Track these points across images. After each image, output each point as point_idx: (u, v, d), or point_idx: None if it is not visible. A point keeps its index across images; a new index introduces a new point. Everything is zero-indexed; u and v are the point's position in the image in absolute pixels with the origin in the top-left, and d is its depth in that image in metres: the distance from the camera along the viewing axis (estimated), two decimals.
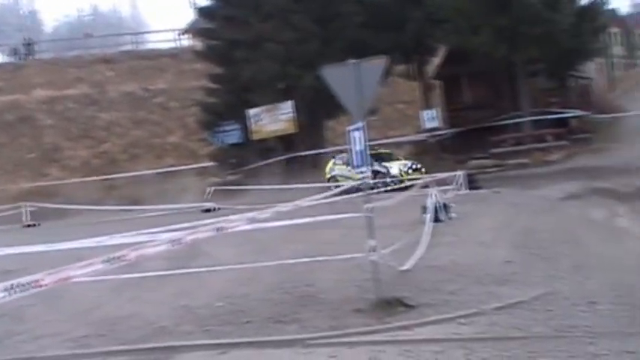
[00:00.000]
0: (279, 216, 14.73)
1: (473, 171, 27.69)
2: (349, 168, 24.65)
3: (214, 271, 13.35)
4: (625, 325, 8.89)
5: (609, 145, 32.70)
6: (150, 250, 9.15)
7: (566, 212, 18.35)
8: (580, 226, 16.47)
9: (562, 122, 35.40)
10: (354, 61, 10.87)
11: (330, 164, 32.27)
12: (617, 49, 67.78)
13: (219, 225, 11.26)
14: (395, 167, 30.69)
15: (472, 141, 34.32)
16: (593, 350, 8.12)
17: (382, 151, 32.24)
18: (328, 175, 31.62)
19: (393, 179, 29.28)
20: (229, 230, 11.71)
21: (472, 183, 24.49)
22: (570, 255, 13.39)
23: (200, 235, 10.62)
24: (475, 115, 35.23)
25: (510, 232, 16.01)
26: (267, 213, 13.53)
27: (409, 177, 28.69)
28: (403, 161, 31.55)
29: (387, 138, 39.49)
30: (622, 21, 74.26)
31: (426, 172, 28.79)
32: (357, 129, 10.75)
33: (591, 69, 48.92)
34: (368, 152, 11.00)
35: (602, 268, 12.04)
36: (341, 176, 29.70)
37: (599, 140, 34.14)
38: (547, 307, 10.19)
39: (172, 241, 9.63)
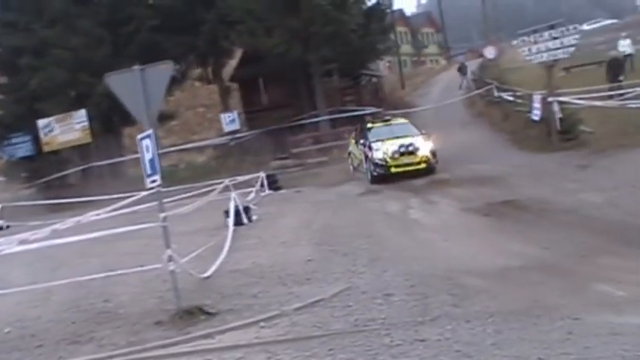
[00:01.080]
0: (76, 229, 14.14)
1: (275, 171, 27.76)
2: (359, 146, 24.59)
3: (1, 295, 12.55)
4: (417, 314, 9.19)
5: None
6: None
7: (365, 207, 18.74)
8: (377, 219, 16.87)
9: (357, 120, 36.17)
10: (138, 66, 10.58)
11: (351, 140, 27.87)
12: (406, 48, 70.52)
13: None
14: (380, 149, 23.11)
15: (273, 142, 34.45)
16: (388, 341, 8.33)
17: (396, 121, 26.34)
18: (347, 151, 27.92)
19: (377, 166, 23.00)
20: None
21: (274, 183, 24.59)
22: (368, 249, 13.67)
23: None
24: (274, 115, 35.46)
25: (311, 231, 16.14)
26: (47, 232, 13.00)
27: (398, 163, 22.84)
28: (396, 141, 23.50)
29: (190, 142, 39.16)
30: (409, 21, 77.46)
31: (229, 175, 26.11)
32: (147, 137, 10.45)
33: (382, 67, 50.59)
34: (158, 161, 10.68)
35: (397, 260, 12.36)
36: (353, 153, 26.23)
37: None
38: (346, 303, 10.37)
39: None
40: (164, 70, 10.89)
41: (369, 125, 25.61)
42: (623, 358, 6.75)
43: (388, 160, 22.77)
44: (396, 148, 22.92)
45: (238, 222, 17.04)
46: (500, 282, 10.54)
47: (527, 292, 9.84)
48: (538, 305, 9.12)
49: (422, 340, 8.19)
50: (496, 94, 34.68)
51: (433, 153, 23.04)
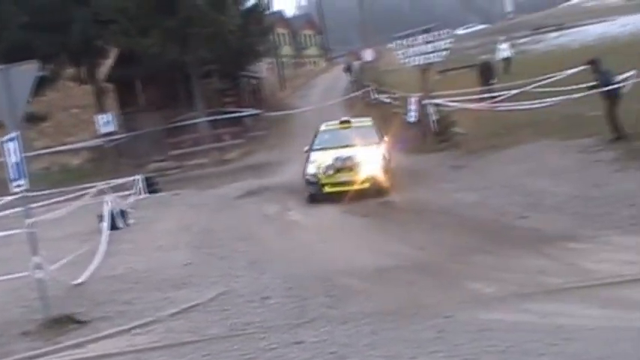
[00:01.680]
0: None
1: (153, 174, 27.33)
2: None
3: None
4: (294, 317, 9.21)
5: (282, 141, 33.78)
6: None
7: (243, 209, 18.69)
8: (256, 222, 16.85)
9: (237, 121, 36.11)
10: (1, 66, 10.18)
11: None
12: (286, 50, 70.63)
13: None
14: (315, 162, 18.60)
15: (151, 144, 33.89)
16: (264, 345, 8.31)
17: (358, 124, 21.21)
18: None
19: (308, 183, 18.53)
20: None
21: (152, 186, 24.21)
22: (246, 252, 13.65)
23: None
24: (152, 117, 34.79)
25: (189, 234, 15.99)
26: None
27: (332, 181, 18.13)
28: (339, 151, 18.78)
29: (64, 144, 38.09)
30: (289, 23, 77.62)
31: (105, 178, 24.78)
32: (11, 139, 10.06)
33: (262, 69, 50.51)
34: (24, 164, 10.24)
35: (275, 262, 12.39)
36: None
37: (273, 137, 35.21)
38: (223, 307, 10.31)
39: None
40: (29, 70, 10.49)
41: (322, 127, 21.08)
42: (490, 353, 6.91)
43: (320, 176, 18.02)
44: (330, 161, 18.17)
45: (114, 226, 16.70)
46: (376, 282, 10.67)
47: (403, 291, 9.99)
48: (412, 304, 9.27)
49: (298, 343, 8.21)
50: (374, 96, 35.12)
51: (385, 169, 18.28)
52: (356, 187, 17.63)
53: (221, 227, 16.44)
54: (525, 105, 21.86)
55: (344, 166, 18.08)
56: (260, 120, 37.61)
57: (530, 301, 8.77)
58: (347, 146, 18.87)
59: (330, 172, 18.03)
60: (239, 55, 35.97)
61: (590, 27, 43.95)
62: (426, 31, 27.04)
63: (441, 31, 26.99)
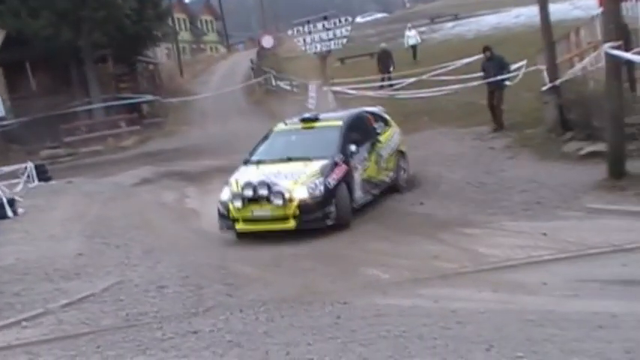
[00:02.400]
0: None
1: (45, 161, 26.53)
2: None
3: None
4: (191, 305, 9.17)
5: (180, 128, 33.58)
6: None
7: (140, 197, 18.41)
8: (152, 210, 16.65)
9: (134, 107, 35.59)
10: None
11: None
12: (185, 35, 69.98)
13: None
14: (232, 185, 13.18)
15: (43, 130, 32.68)
16: (160, 335, 8.28)
17: (324, 124, 14.72)
18: None
19: (219, 214, 13.28)
20: None
21: (43, 174, 23.47)
22: (142, 241, 13.48)
23: None
24: (44, 102, 33.59)
25: (83, 223, 15.64)
26: None
27: (246, 216, 12.85)
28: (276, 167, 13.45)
29: None
30: (187, 8, 76.92)
31: None
32: None
33: (160, 54, 49.91)
34: None
35: (172, 251, 12.30)
36: None
37: (171, 123, 34.91)
38: (118, 297, 10.18)
39: None
40: None
41: (279, 127, 15.32)
42: (386, 338, 7.01)
43: (231, 208, 12.87)
44: (239, 190, 12.92)
45: (2, 215, 16.19)
46: (273, 270, 10.70)
47: (300, 279, 10.04)
48: (309, 291, 9.34)
49: (194, 332, 8.20)
50: (274, 82, 35.13)
51: (324, 199, 12.56)
52: (277, 226, 12.56)
53: (116, 216, 16.14)
54: (423, 93, 22.22)
55: (257, 196, 12.66)
56: (157, 107, 37.13)
57: (425, 287, 8.93)
58: (301, 160, 13.37)
59: (238, 203, 12.70)
60: (135, 40, 35.36)
61: (485, 17, 44.96)
62: (325, 18, 27.37)
63: (340, 19, 27.35)
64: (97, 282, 11.01)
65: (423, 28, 35.10)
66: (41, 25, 31.09)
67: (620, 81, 13.32)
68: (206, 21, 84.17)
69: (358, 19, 50.52)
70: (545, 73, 18.21)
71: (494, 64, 19.85)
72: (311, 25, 27.82)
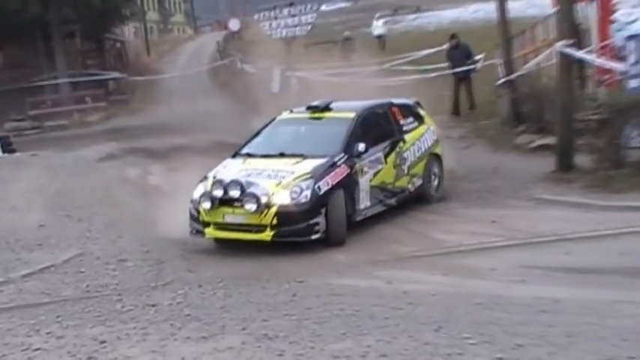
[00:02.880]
0: None
1: (9, 134, 26.18)
2: None
3: None
4: (151, 279, 9.16)
5: (146, 106, 33.30)
6: None
7: (103, 172, 18.13)
8: (116, 185, 16.43)
9: (100, 84, 35.28)
10: None
11: None
12: (153, 15, 69.34)
13: None
14: (208, 181, 10.90)
15: (8, 103, 32.27)
16: (119, 307, 8.24)
17: (332, 115, 11.87)
18: None
19: (190, 216, 11.02)
20: None
21: (8, 146, 23.17)
22: (105, 214, 13.30)
23: None
24: (10, 75, 33.31)
25: (46, 196, 15.40)
26: None
27: (217, 220, 10.57)
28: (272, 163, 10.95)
29: None
30: None
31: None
32: None
33: (128, 32, 49.42)
34: None
35: (134, 225, 12.16)
36: None
37: (136, 101, 34.63)
38: (78, 269, 10.10)
39: None
40: None
41: (283, 115, 12.51)
42: (339, 316, 7.06)
43: (201, 209, 10.59)
44: (208, 188, 10.62)
45: None
46: (234, 248, 10.67)
47: (259, 258, 10.06)
48: (267, 270, 9.36)
49: (153, 305, 8.17)
50: (239, 65, 34.94)
51: (310, 207, 10.04)
52: (251, 236, 10.23)
53: (79, 189, 15.89)
54: (386, 80, 22.31)
55: (229, 198, 10.26)
56: (123, 84, 36.81)
57: (380, 269, 9.01)
58: (294, 157, 10.80)
59: (207, 204, 10.38)
60: (103, 17, 34.98)
61: (445, 11, 45.22)
62: (291, 4, 27.41)
63: (306, 6, 27.35)
64: (59, 253, 10.89)
65: (386, 19, 34.89)
66: None
67: (571, 78, 13.51)
68: (174, 2, 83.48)
69: (323, 7, 50.27)
70: (500, 68, 18.40)
71: (461, 52, 20.10)
72: (277, 11, 27.95)
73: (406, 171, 11.81)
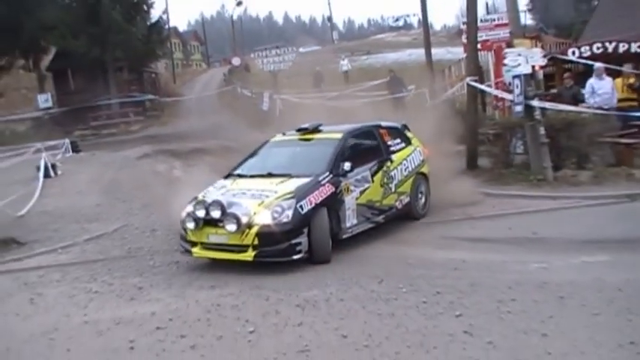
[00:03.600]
0: None
1: (77, 139, 25.77)
2: None
3: None
4: (174, 244, 8.77)
5: (172, 120, 32.99)
6: None
7: (141, 167, 18.01)
8: (149, 176, 16.24)
9: (140, 103, 34.94)
10: None
11: None
12: (178, 54, 68.76)
13: None
14: (197, 201, 8.11)
15: (76, 117, 32.30)
16: (152, 264, 8.27)
17: (323, 136, 9.23)
18: None
19: (180, 236, 8.23)
20: None
21: (76, 148, 22.77)
22: (141, 198, 13.21)
23: None
24: (78, 98, 33.12)
25: (101, 183, 15.31)
26: None
27: (203, 239, 7.82)
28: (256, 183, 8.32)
29: (14, 115, 35.95)
30: (180, 35, 75.71)
31: (42, 140, 21.05)
32: None
33: (160, 66, 48.96)
34: None
35: (162, 206, 11.90)
36: None
37: (165, 116, 34.29)
38: (123, 235, 10.11)
39: None
40: None
41: (276, 138, 9.86)
42: (305, 271, 7.02)
43: (188, 228, 8.01)
44: (191, 208, 8.08)
45: (47, 175, 15.73)
46: None
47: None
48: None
49: (176, 263, 8.21)
50: (239, 90, 34.66)
51: (293, 227, 7.45)
52: (235, 256, 7.58)
53: (124, 179, 15.80)
54: (345, 102, 22.37)
55: (210, 218, 7.78)
56: (156, 103, 36.47)
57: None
58: (281, 177, 8.27)
59: (191, 224, 7.89)
60: (143, 56, 34.74)
61: (388, 54, 45.21)
62: (278, 47, 27.58)
63: (288, 48, 27.50)
64: (109, 225, 10.86)
65: (346, 60, 34.65)
66: (79, 44, 30.61)
67: (476, 103, 13.59)
68: (193, 45, 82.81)
69: (301, 49, 50.01)
70: (427, 95, 18.46)
71: (397, 82, 20.20)
72: (267, 51, 28.37)
73: (394, 189, 9.24)
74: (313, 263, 7.44)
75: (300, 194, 7.64)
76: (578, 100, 12.82)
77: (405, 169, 9.58)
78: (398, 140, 9.80)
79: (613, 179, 10.63)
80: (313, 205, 7.61)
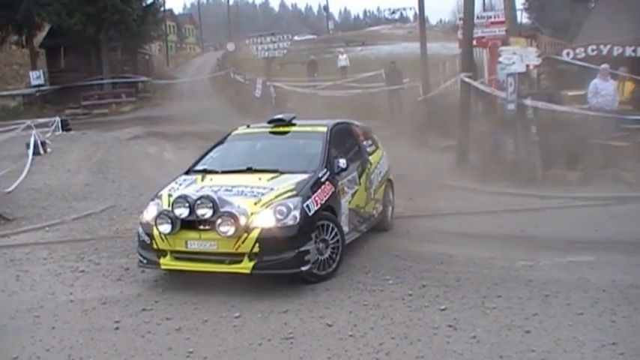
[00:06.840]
0: None
1: (67, 117, 25.50)
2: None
3: None
4: None
5: (164, 102, 32.81)
6: None
7: (131, 148, 17.94)
8: (140, 158, 16.24)
9: (132, 84, 34.69)
10: None
11: None
12: (172, 37, 68.26)
13: None
14: (163, 200, 6.44)
15: (68, 95, 32.06)
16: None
17: (304, 129, 7.68)
18: None
19: (139, 241, 6.48)
20: None
21: (66, 126, 22.54)
22: (131, 178, 13.19)
23: None
24: (70, 76, 32.94)
25: (90, 163, 15.21)
26: None
27: (178, 247, 6.08)
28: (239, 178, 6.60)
29: (5, 90, 35.69)
30: (176, 18, 75.13)
31: (33, 117, 20.93)
32: None
33: (154, 48, 48.63)
34: None
35: (151, 187, 11.78)
36: None
37: (157, 98, 34.06)
38: (111, 216, 10.07)
39: None
40: None
41: (238, 130, 8.09)
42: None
43: (155, 235, 6.11)
44: (168, 207, 6.16)
45: (36, 152, 15.58)
46: None
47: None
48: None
49: None
50: (232, 76, 34.50)
51: (300, 231, 5.91)
52: (224, 268, 5.95)
53: (114, 159, 15.73)
54: (338, 93, 22.40)
55: (196, 219, 6.04)
56: (149, 85, 36.20)
57: None
58: (267, 172, 6.71)
59: (166, 228, 6.05)
60: (137, 37, 34.46)
61: (383, 46, 45.07)
62: (272, 34, 27.55)
63: (283, 35, 27.41)
64: (98, 204, 10.82)
65: (345, 54, 34.10)
66: (74, 22, 30.44)
67: (469, 98, 13.57)
68: (188, 29, 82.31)
69: (295, 38, 49.71)
70: (420, 89, 18.45)
71: (395, 74, 20.25)
72: (262, 38, 28.27)
73: (372, 195, 7.97)
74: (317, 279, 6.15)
75: (304, 192, 6.22)
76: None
77: (379, 174, 8.41)
78: (370, 142, 8.61)
79: (602, 181, 10.70)
80: (319, 206, 6.24)
